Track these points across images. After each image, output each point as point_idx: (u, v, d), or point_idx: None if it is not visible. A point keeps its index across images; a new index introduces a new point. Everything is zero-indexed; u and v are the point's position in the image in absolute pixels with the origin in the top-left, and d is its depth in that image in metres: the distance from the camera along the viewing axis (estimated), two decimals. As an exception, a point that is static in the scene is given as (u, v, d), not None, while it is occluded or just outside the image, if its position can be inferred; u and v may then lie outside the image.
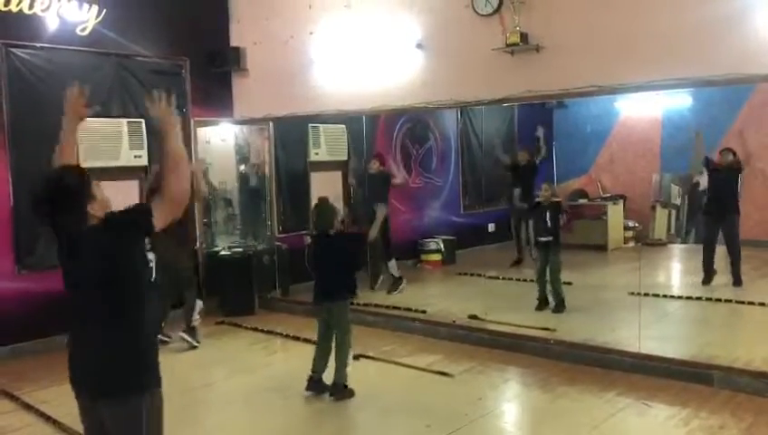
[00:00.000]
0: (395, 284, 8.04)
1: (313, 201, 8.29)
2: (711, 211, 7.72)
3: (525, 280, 8.00)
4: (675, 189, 10.52)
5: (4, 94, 6.24)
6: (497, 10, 5.83)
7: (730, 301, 7.06)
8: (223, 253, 7.94)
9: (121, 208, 2.54)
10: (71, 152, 2.83)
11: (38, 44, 6.47)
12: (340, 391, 4.94)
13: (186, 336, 6.35)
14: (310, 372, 5.04)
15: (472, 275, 8.93)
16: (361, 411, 4.88)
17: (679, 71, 4.97)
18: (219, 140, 8.30)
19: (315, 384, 5.02)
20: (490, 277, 8.53)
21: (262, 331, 6.97)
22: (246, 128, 8.40)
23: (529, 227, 8.08)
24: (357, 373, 5.15)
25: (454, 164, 10.51)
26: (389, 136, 9.57)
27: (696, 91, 7.23)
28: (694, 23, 4.93)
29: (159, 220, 2.44)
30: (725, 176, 7.44)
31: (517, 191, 8.98)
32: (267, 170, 8.32)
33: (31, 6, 6.39)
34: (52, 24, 6.54)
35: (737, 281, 7.50)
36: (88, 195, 2.51)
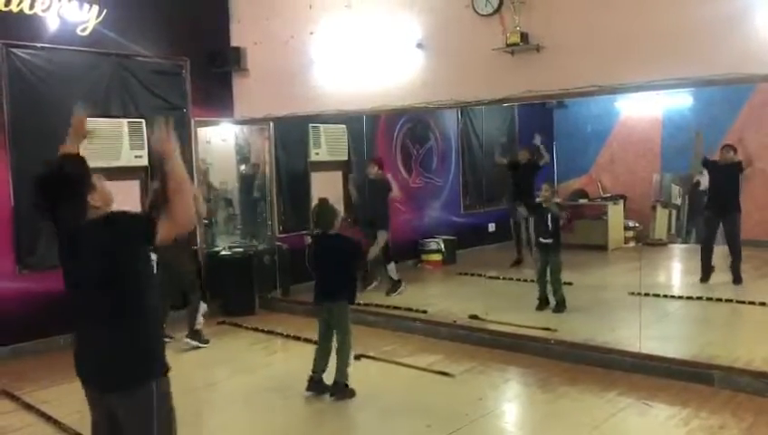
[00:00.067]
0: (394, 286, 8.04)
1: (314, 201, 8.36)
2: (712, 208, 7.71)
3: (526, 280, 8.00)
4: (675, 189, 10.52)
5: (4, 94, 6.24)
6: (497, 10, 5.83)
7: (730, 301, 7.06)
8: (223, 253, 7.94)
9: (127, 211, 2.54)
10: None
11: (38, 45, 6.47)
12: (341, 390, 4.94)
13: (191, 341, 6.36)
14: (310, 373, 5.05)
15: (472, 275, 8.93)
16: (362, 411, 4.88)
17: (680, 70, 4.97)
18: (220, 140, 8.31)
19: (316, 384, 5.02)
20: (490, 277, 8.53)
21: (262, 331, 6.97)
22: (247, 128, 8.40)
23: (529, 228, 8.09)
24: (358, 373, 5.15)
25: (454, 164, 10.51)
26: (390, 136, 9.57)
27: (696, 90, 7.22)
28: (694, 22, 4.93)
29: (161, 235, 2.43)
30: (726, 173, 7.43)
31: (522, 211, 8.88)
32: (268, 170, 8.32)
33: (31, 6, 6.39)
34: (52, 24, 6.55)
35: (737, 279, 7.51)
36: (88, 184, 2.52)
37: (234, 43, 7.98)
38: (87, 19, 6.76)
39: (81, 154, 2.64)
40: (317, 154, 8.61)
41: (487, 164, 10.62)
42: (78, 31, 6.72)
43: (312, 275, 5.27)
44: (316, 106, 7.34)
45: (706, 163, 7.81)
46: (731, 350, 5.45)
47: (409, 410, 4.78)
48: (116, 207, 2.67)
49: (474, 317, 6.60)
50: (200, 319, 6.50)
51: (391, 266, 8.05)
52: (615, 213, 10.52)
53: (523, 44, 5.65)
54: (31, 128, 6.35)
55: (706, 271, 7.68)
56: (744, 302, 6.99)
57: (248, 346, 6.57)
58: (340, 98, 7.10)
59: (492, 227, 10.64)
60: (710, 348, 5.54)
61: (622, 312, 6.59)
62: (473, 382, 5.31)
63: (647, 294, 6.72)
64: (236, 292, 7.71)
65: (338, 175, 8.91)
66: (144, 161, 7.12)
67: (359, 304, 6.85)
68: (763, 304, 6.82)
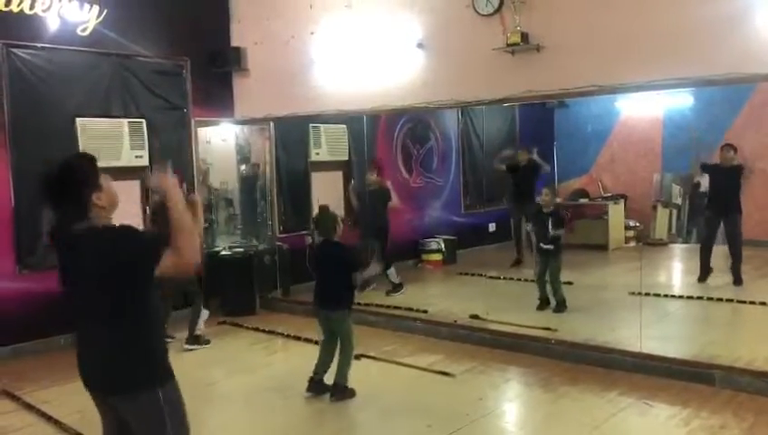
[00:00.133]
0: (395, 289, 8.04)
1: (314, 201, 8.40)
2: (712, 209, 7.70)
3: (526, 280, 8.00)
4: (676, 189, 10.52)
5: (5, 94, 6.24)
6: (498, 10, 5.83)
7: (731, 300, 7.06)
8: (224, 253, 7.94)
9: (135, 231, 2.49)
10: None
11: (39, 45, 6.47)
12: (341, 391, 4.94)
13: (191, 347, 6.36)
14: (311, 374, 5.04)
15: (473, 274, 8.93)
16: (362, 411, 4.88)
17: (680, 70, 4.96)
18: (220, 140, 8.31)
19: (316, 385, 5.02)
20: (491, 277, 8.53)
21: (263, 331, 6.97)
22: (247, 128, 8.40)
23: (530, 228, 8.08)
24: (358, 373, 5.15)
25: (455, 164, 10.51)
26: (390, 136, 9.57)
27: (696, 90, 7.22)
28: (694, 22, 4.93)
29: (163, 268, 2.41)
30: (727, 175, 7.41)
31: (530, 226, 8.83)
32: (268, 170, 8.32)
33: (32, 7, 6.39)
34: (52, 24, 6.55)
35: (738, 280, 7.49)
36: (93, 184, 2.50)
37: (234, 43, 7.99)
38: (87, 19, 6.76)
39: (90, 154, 2.61)
40: (317, 154, 8.61)
41: (488, 164, 10.61)
42: (78, 31, 6.72)
43: (313, 275, 5.28)
44: (316, 106, 7.34)
45: (705, 168, 7.81)
46: (732, 350, 5.44)
47: (410, 409, 4.78)
48: (117, 207, 2.66)
49: (474, 317, 6.60)
50: (201, 325, 6.50)
51: (392, 271, 8.05)
52: (615, 213, 10.52)
53: (523, 44, 5.65)
54: (31, 128, 6.36)
55: (704, 271, 7.67)
56: (744, 302, 6.98)
57: (249, 346, 6.57)
58: (341, 98, 7.10)
59: (492, 226, 10.64)
60: (711, 348, 5.53)
61: (623, 312, 6.59)
62: (473, 382, 5.31)
63: (647, 294, 6.72)
64: (237, 292, 7.71)
65: (338, 175, 8.92)
66: (145, 161, 7.12)
67: (359, 304, 6.85)
68: (763, 303, 6.81)
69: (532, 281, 7.30)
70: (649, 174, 10.75)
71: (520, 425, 4.75)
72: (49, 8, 6.50)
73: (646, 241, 10.28)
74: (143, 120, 7.14)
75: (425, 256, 9.77)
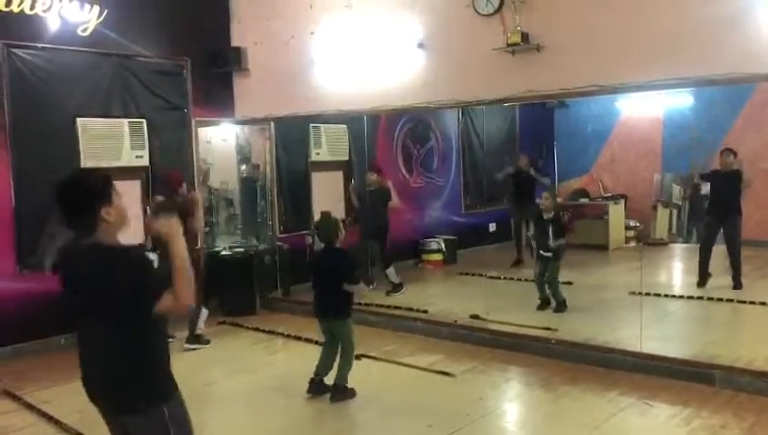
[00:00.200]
0: (395, 288, 8.04)
1: (315, 201, 8.41)
2: (712, 214, 7.69)
3: (527, 280, 7.99)
4: (676, 189, 10.52)
5: (5, 95, 6.25)
6: (498, 10, 5.83)
7: (731, 301, 7.06)
8: (224, 253, 7.94)
9: (143, 263, 2.48)
10: None
11: (39, 45, 6.47)
12: (341, 392, 4.94)
13: (191, 346, 6.36)
14: (312, 374, 5.05)
15: (473, 274, 8.92)
16: (363, 411, 4.88)
17: (680, 70, 4.96)
18: (220, 140, 8.31)
19: (317, 386, 5.02)
20: (491, 277, 8.52)
21: (263, 331, 6.97)
22: (247, 128, 8.40)
23: (529, 229, 8.08)
24: (358, 373, 5.15)
25: (455, 164, 10.51)
26: (391, 136, 9.57)
27: (697, 90, 7.22)
28: (695, 22, 4.93)
29: (161, 307, 2.41)
30: (727, 180, 7.38)
31: (530, 233, 8.83)
32: (268, 170, 8.32)
33: (32, 7, 6.39)
34: (53, 24, 6.55)
35: (737, 285, 7.45)
36: (104, 199, 2.49)
37: (234, 43, 7.99)
38: (88, 19, 6.77)
39: (107, 173, 2.63)
40: (318, 154, 8.61)
41: (488, 164, 10.62)
42: (79, 31, 6.73)
43: (312, 283, 5.28)
44: (317, 106, 7.34)
45: (705, 177, 7.79)
46: (732, 350, 5.44)
47: (410, 409, 4.79)
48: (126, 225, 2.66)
49: (474, 317, 6.60)
50: (201, 324, 6.50)
51: (391, 271, 8.05)
52: (616, 213, 10.52)
53: (523, 44, 5.65)
54: (32, 128, 6.37)
55: (703, 276, 7.63)
56: (744, 302, 6.98)
57: (249, 346, 6.57)
58: (341, 98, 7.10)
59: (492, 226, 10.64)
60: (711, 348, 5.53)
61: (623, 311, 6.59)
62: (474, 382, 5.31)
63: (647, 294, 6.72)
64: (237, 292, 7.71)
65: (339, 175, 8.92)
66: (145, 161, 7.13)
67: (359, 304, 6.86)
68: (763, 303, 6.81)
69: (533, 281, 7.30)
70: (650, 174, 10.75)
71: (520, 425, 4.75)
72: (49, 8, 6.50)
73: (646, 241, 10.28)
74: (143, 121, 7.15)
75: (425, 256, 9.77)
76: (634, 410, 4.64)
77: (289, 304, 7.83)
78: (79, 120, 6.68)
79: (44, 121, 6.45)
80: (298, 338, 6.56)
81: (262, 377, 5.66)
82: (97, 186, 2.51)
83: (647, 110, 10.20)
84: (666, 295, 7.36)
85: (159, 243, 2.56)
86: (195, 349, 6.35)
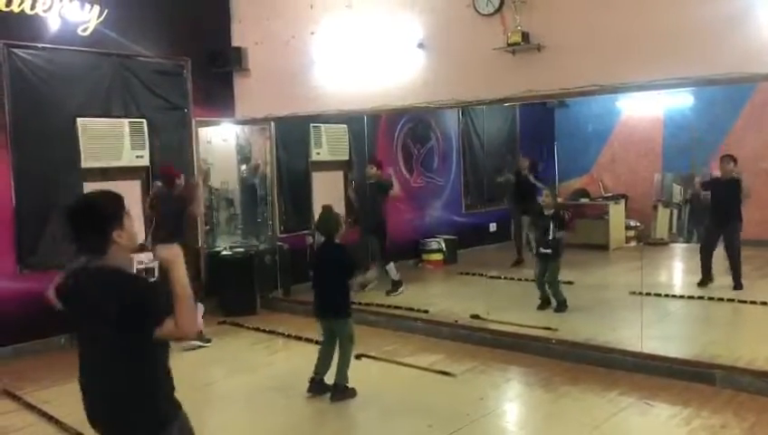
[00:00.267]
0: (394, 286, 8.03)
1: (315, 201, 8.40)
2: (713, 220, 7.67)
3: (527, 280, 7.98)
4: (677, 189, 10.51)
5: (6, 95, 6.25)
6: (498, 9, 5.82)
7: (732, 300, 7.05)
8: (225, 253, 7.94)
9: (147, 290, 2.48)
10: None
11: (40, 45, 6.48)
12: (341, 392, 4.94)
13: (192, 342, 6.34)
14: (312, 374, 5.05)
15: (473, 274, 8.91)
16: (363, 411, 4.88)
17: (681, 70, 4.96)
18: (221, 140, 8.31)
19: (317, 386, 5.02)
20: (492, 277, 8.51)
21: (263, 331, 6.97)
22: (248, 128, 8.40)
23: (531, 230, 8.07)
24: (359, 373, 5.15)
25: (455, 164, 10.51)
26: (391, 136, 9.57)
27: (697, 90, 7.21)
28: (695, 22, 4.93)
29: (162, 333, 2.41)
30: (726, 186, 7.34)
31: (526, 219, 8.89)
32: (269, 170, 8.32)
33: (32, 7, 6.39)
34: (53, 24, 6.55)
35: (738, 286, 7.43)
36: (116, 222, 2.48)
37: (235, 43, 7.99)
38: (88, 19, 6.77)
39: (118, 193, 2.62)
40: (318, 154, 8.61)
41: (488, 164, 10.62)
42: (79, 31, 6.73)
43: (311, 280, 5.28)
44: (317, 106, 7.34)
45: (706, 186, 7.77)
46: (732, 349, 5.44)
47: (411, 409, 4.78)
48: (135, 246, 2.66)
49: (475, 317, 6.59)
50: (200, 320, 6.48)
51: (391, 267, 8.05)
52: (616, 212, 10.52)
53: (523, 44, 5.65)
54: (32, 128, 6.37)
55: (705, 276, 7.61)
56: (745, 301, 6.98)
57: (249, 346, 6.57)
58: (342, 98, 7.10)
59: (493, 226, 10.63)
60: (712, 348, 5.53)
61: (623, 311, 6.59)
62: (474, 382, 5.31)
63: (648, 294, 6.72)
64: (237, 292, 7.71)
65: (339, 175, 8.92)
66: (145, 161, 7.13)
67: (359, 304, 6.87)
68: (764, 303, 6.81)
69: (533, 281, 7.29)
70: (650, 174, 10.75)
71: (521, 425, 4.75)
72: (50, 8, 6.50)
73: (646, 241, 10.27)
74: (144, 120, 7.15)
75: (425, 256, 9.76)
76: (634, 410, 4.64)
77: (289, 303, 7.83)
78: (79, 120, 6.68)
79: (45, 121, 6.46)
80: (298, 338, 6.56)
81: (262, 377, 5.66)
82: (109, 209, 2.50)
83: (647, 109, 10.19)
84: (666, 295, 7.36)
85: (161, 270, 2.55)
86: (196, 345, 6.33)
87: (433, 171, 10.23)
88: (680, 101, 9.17)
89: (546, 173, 9.31)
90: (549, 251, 6.85)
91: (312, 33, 7.27)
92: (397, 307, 7.23)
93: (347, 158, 8.92)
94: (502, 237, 10.26)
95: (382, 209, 8.20)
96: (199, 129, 7.84)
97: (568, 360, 5.62)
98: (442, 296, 8.10)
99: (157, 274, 5.59)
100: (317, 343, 5.20)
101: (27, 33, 6.40)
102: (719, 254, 7.63)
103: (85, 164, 6.66)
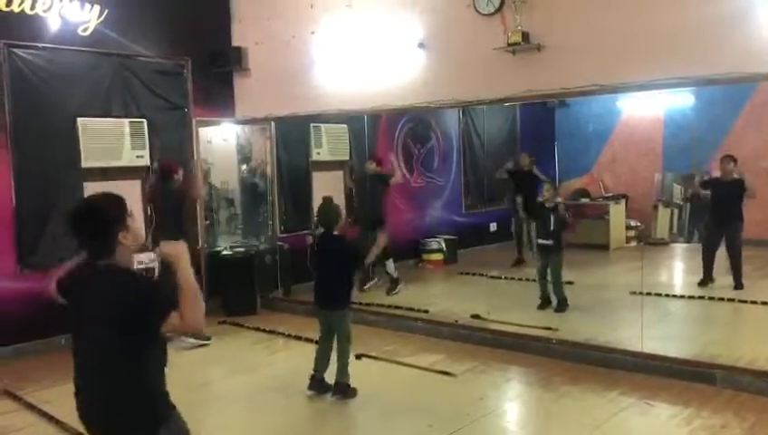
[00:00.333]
0: (393, 283, 8.03)
1: (316, 201, 8.38)
2: (714, 220, 7.67)
3: (527, 280, 7.99)
4: (677, 189, 10.51)
5: (6, 94, 6.24)
6: (499, 9, 5.82)
7: (732, 300, 7.05)
8: (225, 253, 7.94)
9: (153, 285, 2.54)
10: None
11: (40, 45, 6.47)
12: (343, 390, 4.94)
13: (191, 339, 6.35)
14: (312, 372, 5.05)
15: (474, 274, 8.92)
16: (363, 411, 4.88)
17: (681, 69, 4.96)
18: (221, 139, 8.31)
19: (318, 384, 5.03)
20: (492, 277, 8.52)
21: (264, 330, 6.97)
22: (248, 127, 8.40)
23: (531, 229, 8.07)
24: (359, 373, 5.15)
25: (455, 164, 10.51)
26: (391, 135, 9.57)
27: (698, 89, 7.21)
28: (696, 21, 4.92)
29: (168, 327, 2.43)
30: (728, 189, 7.33)
31: (520, 199, 8.95)
32: (269, 170, 8.32)
33: (32, 7, 6.39)
34: (53, 24, 6.55)
35: (738, 286, 7.42)
36: (121, 224, 2.51)
37: (235, 42, 7.99)
38: (88, 19, 6.76)
39: (119, 194, 2.64)
40: (318, 154, 8.61)
41: (489, 164, 10.62)
42: (79, 31, 6.73)
43: (312, 273, 5.28)
44: (317, 106, 7.34)
45: (706, 185, 7.77)
46: (733, 349, 5.44)
47: (411, 409, 4.78)
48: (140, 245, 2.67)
49: (475, 317, 6.59)
50: None
51: (390, 263, 8.04)
52: (617, 212, 10.52)
53: (524, 44, 5.64)
54: (32, 128, 6.37)
55: (706, 276, 7.60)
56: (745, 301, 6.97)
57: (250, 346, 6.57)
58: (342, 97, 7.10)
59: (493, 226, 10.64)
60: (712, 347, 5.53)
61: (624, 311, 6.58)
62: (474, 382, 5.31)
63: (648, 294, 6.72)
64: (238, 291, 7.71)
65: (339, 175, 8.91)
66: (146, 161, 7.13)
67: (360, 304, 6.87)
68: (765, 303, 6.81)
69: (534, 280, 7.30)
70: (650, 174, 10.74)
71: (521, 425, 4.75)
72: (50, 8, 6.50)
73: (647, 241, 10.27)
74: (144, 120, 7.14)
75: (426, 256, 9.76)
76: (635, 410, 4.64)
77: (290, 303, 7.83)
78: (79, 119, 6.68)
79: (45, 121, 6.46)
80: (299, 338, 6.56)
81: (262, 377, 5.66)
82: (111, 212, 2.53)
83: (648, 109, 10.20)
84: (667, 295, 7.35)
85: (164, 265, 2.58)
86: (194, 343, 6.32)
87: (433, 171, 10.23)
88: (681, 100, 9.18)
89: (546, 173, 9.29)
90: (549, 242, 6.85)
91: (313, 33, 7.27)
92: (397, 307, 7.23)
93: (347, 158, 8.91)
94: (502, 237, 10.26)
95: (383, 203, 8.17)
96: (199, 128, 7.83)
97: (568, 360, 5.62)
98: (442, 296, 8.10)
99: (157, 272, 5.58)
100: (317, 342, 5.19)
101: (27, 32, 6.40)
102: (720, 254, 7.62)
103: (85, 164, 6.66)
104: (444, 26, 6.31)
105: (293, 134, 8.42)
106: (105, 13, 6.85)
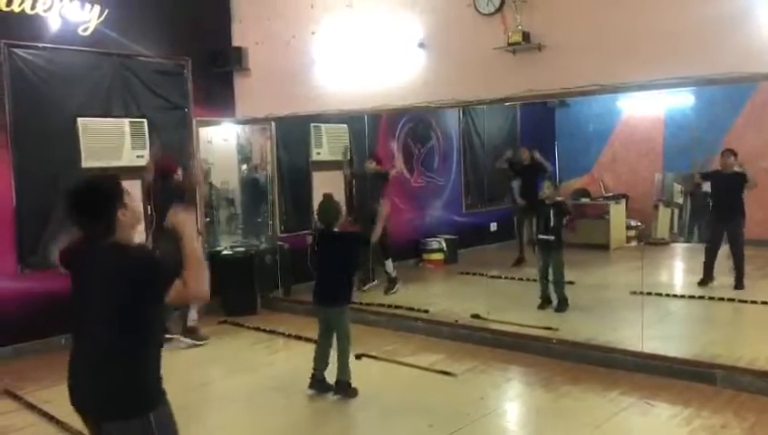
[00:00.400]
0: (391, 282, 8.03)
1: (316, 201, 8.37)
2: (715, 214, 7.67)
3: (528, 279, 7.99)
4: (677, 188, 10.50)
5: (6, 94, 6.25)
6: (499, 9, 5.82)
7: (733, 300, 7.05)
8: (225, 252, 7.94)
9: (154, 257, 2.61)
10: None
11: (40, 45, 6.47)
12: (344, 389, 4.94)
13: (186, 340, 6.35)
14: (312, 371, 5.05)
15: (474, 274, 8.92)
16: (363, 411, 4.87)
17: (682, 69, 4.95)
18: (221, 139, 8.31)
19: (318, 383, 5.03)
20: (492, 277, 8.52)
21: (264, 330, 6.97)
22: (248, 127, 8.40)
23: (532, 226, 8.07)
24: (359, 373, 5.15)
25: (456, 163, 10.51)
26: (391, 135, 9.56)
27: (698, 89, 7.21)
28: (696, 21, 4.92)
29: (171, 296, 2.46)
30: (728, 180, 7.35)
31: (516, 184, 8.99)
32: (269, 170, 8.32)
33: (33, 7, 6.39)
34: (54, 24, 6.55)
35: (739, 285, 7.43)
36: (119, 202, 2.54)
37: (235, 42, 7.99)
38: (88, 19, 6.77)
39: (113, 174, 2.70)
40: (318, 154, 8.61)
41: (489, 163, 10.62)
42: (79, 31, 6.73)
43: (312, 271, 5.28)
44: (318, 106, 7.34)
45: (706, 176, 7.77)
46: (733, 349, 5.43)
47: (411, 409, 4.78)
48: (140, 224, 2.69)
49: (475, 317, 6.59)
50: (194, 315, 6.48)
51: (389, 263, 8.04)
52: (617, 212, 10.51)
53: (524, 43, 5.64)
54: (33, 128, 6.37)
55: (707, 276, 7.60)
56: (746, 301, 6.97)
57: (250, 346, 6.57)
58: (342, 97, 7.10)
59: (494, 226, 10.64)
60: (712, 347, 5.52)
61: (624, 311, 6.58)
62: (474, 382, 5.30)
63: (649, 294, 6.72)
64: (238, 291, 7.70)
65: (339, 175, 8.90)
66: (145, 161, 7.12)
67: (360, 304, 6.87)
68: (765, 303, 6.81)
69: (534, 280, 7.30)
70: (651, 173, 10.74)
71: (521, 425, 4.75)
72: (50, 8, 6.50)
73: (647, 241, 10.27)
74: (144, 120, 7.14)
75: (426, 256, 9.76)
76: (635, 410, 4.63)
77: (290, 303, 7.83)
78: (80, 119, 6.69)
79: (45, 121, 6.46)
80: (299, 338, 6.55)
81: (262, 377, 5.66)
82: (112, 189, 2.57)
83: (648, 109, 10.19)
84: (667, 295, 7.35)
85: (171, 233, 2.62)
86: (190, 344, 6.31)
87: (433, 171, 10.22)
88: (681, 100, 9.17)
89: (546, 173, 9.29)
90: (550, 238, 6.85)
91: (313, 33, 7.27)
92: (397, 307, 7.23)
93: (348, 157, 8.91)
94: (502, 237, 10.26)
95: (381, 196, 8.14)
96: (200, 128, 7.83)
97: (568, 359, 5.62)
98: (442, 296, 8.10)
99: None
100: (317, 342, 5.19)
101: (28, 32, 6.40)
102: (721, 253, 7.62)
103: (86, 164, 6.66)
104: (444, 26, 6.31)
105: (294, 134, 8.42)
106: (105, 13, 6.85)
